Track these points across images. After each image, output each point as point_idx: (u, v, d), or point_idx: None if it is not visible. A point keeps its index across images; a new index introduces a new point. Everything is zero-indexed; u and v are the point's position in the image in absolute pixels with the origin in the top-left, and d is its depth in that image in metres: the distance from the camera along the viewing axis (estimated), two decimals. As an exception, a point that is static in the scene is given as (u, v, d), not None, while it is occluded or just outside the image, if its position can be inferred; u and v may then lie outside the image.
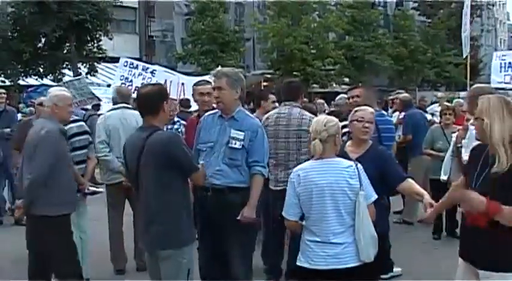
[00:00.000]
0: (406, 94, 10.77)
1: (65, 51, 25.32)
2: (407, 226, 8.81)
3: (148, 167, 4.09)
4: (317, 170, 3.90)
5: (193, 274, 4.32)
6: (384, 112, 6.94)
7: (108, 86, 15.55)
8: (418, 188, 4.66)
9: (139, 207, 4.29)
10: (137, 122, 6.64)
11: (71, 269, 5.25)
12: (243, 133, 4.79)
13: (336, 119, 4.09)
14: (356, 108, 4.94)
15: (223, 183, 4.72)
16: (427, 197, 4.44)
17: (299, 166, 4.09)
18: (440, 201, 4.25)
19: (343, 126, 4.75)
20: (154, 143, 4.06)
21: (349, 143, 4.86)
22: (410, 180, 4.69)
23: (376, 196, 3.95)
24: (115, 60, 22.49)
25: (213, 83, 5.02)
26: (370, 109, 4.91)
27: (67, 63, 24.97)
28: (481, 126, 3.49)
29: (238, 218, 4.67)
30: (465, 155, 5.43)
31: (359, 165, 3.92)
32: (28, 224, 5.29)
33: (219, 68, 5.19)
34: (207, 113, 5.20)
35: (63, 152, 5.17)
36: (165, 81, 11.77)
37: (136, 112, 7.32)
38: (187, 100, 10.46)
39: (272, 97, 7.28)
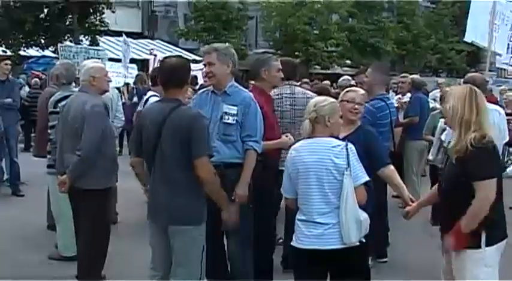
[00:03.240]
0: (417, 76, 10.65)
1: (67, 23, 25.09)
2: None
3: (171, 141, 4.02)
4: (305, 149, 3.91)
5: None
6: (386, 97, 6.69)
7: (110, 59, 15.53)
8: (398, 179, 4.71)
9: (154, 180, 4.18)
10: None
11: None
12: (235, 108, 4.72)
13: (330, 100, 4.07)
14: (347, 89, 5.00)
15: (219, 159, 4.60)
16: (406, 192, 4.48)
17: (293, 146, 4.10)
18: (425, 198, 4.39)
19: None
20: (180, 117, 4.01)
21: None
22: (392, 167, 4.74)
23: (367, 178, 3.89)
24: (117, 34, 22.35)
25: (204, 59, 4.96)
26: (361, 91, 5.01)
27: (68, 35, 24.75)
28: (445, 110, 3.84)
29: (233, 198, 4.57)
30: (443, 135, 5.62)
31: (350, 145, 3.88)
32: (74, 198, 5.15)
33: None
34: (201, 90, 5.19)
35: (109, 125, 5.19)
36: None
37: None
38: (195, 77, 10.39)
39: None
